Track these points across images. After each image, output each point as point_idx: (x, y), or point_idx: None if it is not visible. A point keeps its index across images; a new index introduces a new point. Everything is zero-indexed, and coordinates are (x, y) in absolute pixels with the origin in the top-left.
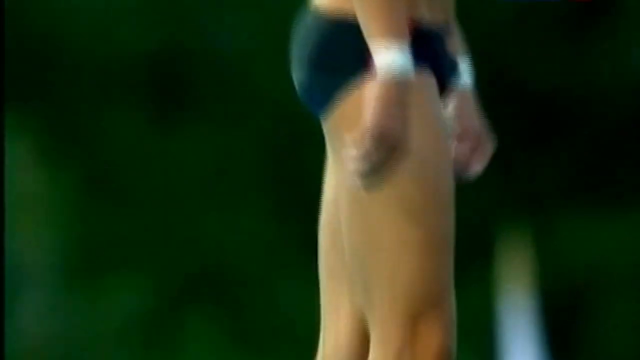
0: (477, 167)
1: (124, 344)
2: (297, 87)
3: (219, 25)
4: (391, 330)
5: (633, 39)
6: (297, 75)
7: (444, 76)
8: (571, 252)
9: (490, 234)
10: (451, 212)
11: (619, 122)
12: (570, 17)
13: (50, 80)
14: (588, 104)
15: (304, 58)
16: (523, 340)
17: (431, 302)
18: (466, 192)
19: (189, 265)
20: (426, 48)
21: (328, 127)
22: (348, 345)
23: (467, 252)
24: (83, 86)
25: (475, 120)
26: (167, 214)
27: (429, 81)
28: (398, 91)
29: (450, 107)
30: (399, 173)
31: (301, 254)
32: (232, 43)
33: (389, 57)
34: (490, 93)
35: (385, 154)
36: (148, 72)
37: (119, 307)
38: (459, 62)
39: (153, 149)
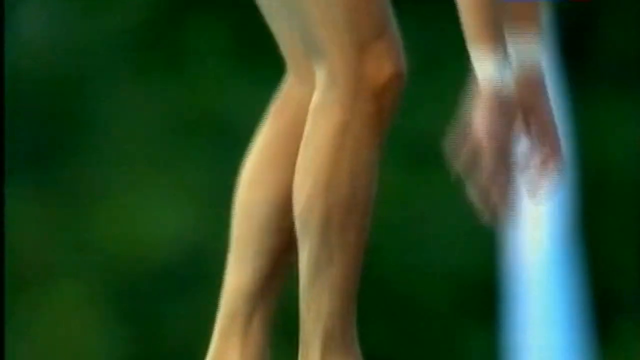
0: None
1: (127, 49)
2: None
3: None
4: (339, 66)
5: None
6: None
7: None
8: None
9: None
10: None
11: None
12: None
13: None
14: None
15: None
16: None
17: (376, 32)
18: None
19: None
20: None
21: None
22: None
23: None
24: None
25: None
26: None
27: None
28: (502, 102)
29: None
30: None
31: None
32: None
33: (492, 67)
34: None
35: (506, 168)
36: None
37: (120, 16)
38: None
39: None
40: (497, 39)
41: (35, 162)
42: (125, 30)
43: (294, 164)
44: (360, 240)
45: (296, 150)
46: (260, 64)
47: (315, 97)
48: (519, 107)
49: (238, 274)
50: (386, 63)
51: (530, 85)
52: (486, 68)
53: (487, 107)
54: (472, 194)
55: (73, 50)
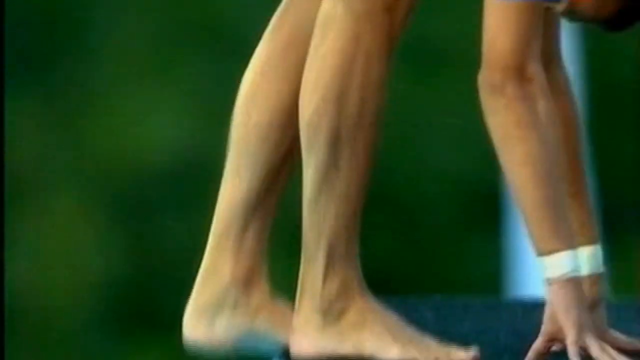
0: None
1: None
2: None
3: None
4: None
5: None
6: None
7: None
8: None
9: None
10: None
11: None
12: None
13: None
14: None
15: None
16: None
17: None
18: None
19: None
20: None
21: None
22: None
23: None
24: None
25: None
26: None
27: None
28: (576, 292)
29: None
30: None
31: None
32: None
33: (564, 262)
34: None
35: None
36: None
37: None
38: None
39: None
40: (568, 233)
41: (28, 66)
42: None
43: (295, 76)
44: (368, 154)
45: (298, 62)
46: None
47: (324, 8)
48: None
49: (233, 187)
50: None
51: (590, 296)
52: (561, 265)
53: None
54: None
55: None
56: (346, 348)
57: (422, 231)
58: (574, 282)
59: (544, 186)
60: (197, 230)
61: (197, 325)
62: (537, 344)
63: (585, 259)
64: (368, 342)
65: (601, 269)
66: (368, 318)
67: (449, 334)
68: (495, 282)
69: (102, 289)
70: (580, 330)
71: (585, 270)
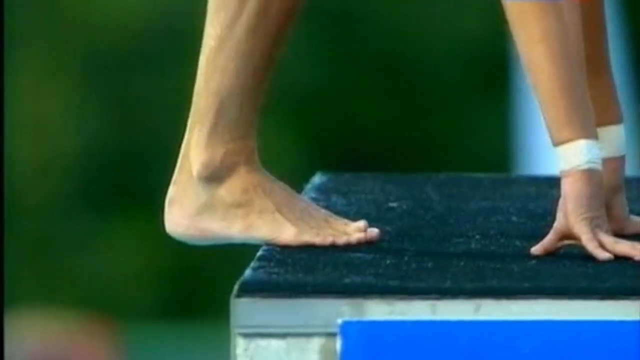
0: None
1: None
2: None
3: None
4: None
5: None
6: None
7: None
8: None
9: None
10: None
11: None
12: None
13: None
14: None
15: None
16: None
17: None
18: None
19: None
20: None
21: None
22: None
23: None
24: None
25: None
26: None
27: None
28: (590, 186)
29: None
30: None
31: None
32: None
33: (578, 152)
34: None
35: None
36: None
37: None
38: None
39: None
40: (585, 121)
41: None
42: None
43: None
44: (280, 17)
45: None
46: None
47: None
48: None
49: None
50: None
51: (611, 180)
52: (575, 156)
53: (581, 224)
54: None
55: None
56: (233, 231)
57: (426, 96)
58: (588, 174)
59: (561, 67)
60: (176, 94)
61: (175, 216)
62: (547, 242)
63: (607, 141)
64: (256, 224)
65: (623, 151)
66: (257, 195)
67: (454, 214)
68: (503, 160)
69: (78, 160)
70: (593, 227)
71: (606, 153)
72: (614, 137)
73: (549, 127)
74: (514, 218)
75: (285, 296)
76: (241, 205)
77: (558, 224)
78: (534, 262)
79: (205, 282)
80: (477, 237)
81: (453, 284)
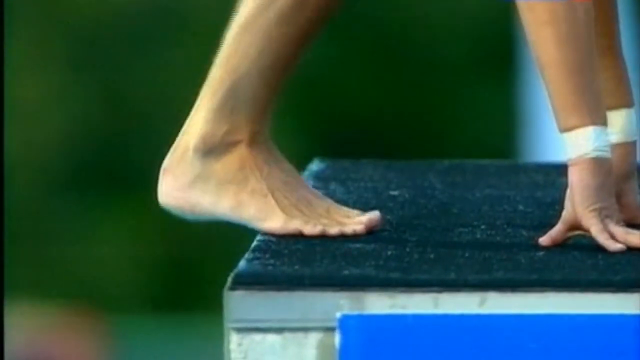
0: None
1: None
2: None
3: None
4: None
5: None
6: None
7: None
8: None
9: None
10: None
11: None
12: None
13: None
14: None
15: None
16: None
17: None
18: None
19: None
20: None
21: None
22: None
23: None
24: None
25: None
26: None
27: None
28: (598, 176)
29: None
30: None
31: None
32: None
33: (586, 140)
34: None
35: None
36: None
37: None
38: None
39: None
40: (594, 107)
41: None
42: None
43: None
44: (312, 12)
45: None
46: None
47: None
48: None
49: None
50: None
51: (622, 167)
52: (582, 144)
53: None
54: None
55: None
56: (222, 207)
57: (429, 81)
58: (596, 162)
59: (569, 50)
60: (166, 74)
61: (167, 187)
62: (556, 232)
63: (617, 126)
64: (246, 203)
65: (635, 136)
66: (252, 175)
67: (458, 203)
68: (509, 146)
69: (63, 146)
70: (603, 217)
71: (616, 138)
72: (624, 121)
73: (555, 113)
74: (520, 207)
75: (281, 289)
76: (234, 182)
77: (566, 213)
78: (541, 253)
79: (198, 273)
80: (482, 227)
81: (457, 275)
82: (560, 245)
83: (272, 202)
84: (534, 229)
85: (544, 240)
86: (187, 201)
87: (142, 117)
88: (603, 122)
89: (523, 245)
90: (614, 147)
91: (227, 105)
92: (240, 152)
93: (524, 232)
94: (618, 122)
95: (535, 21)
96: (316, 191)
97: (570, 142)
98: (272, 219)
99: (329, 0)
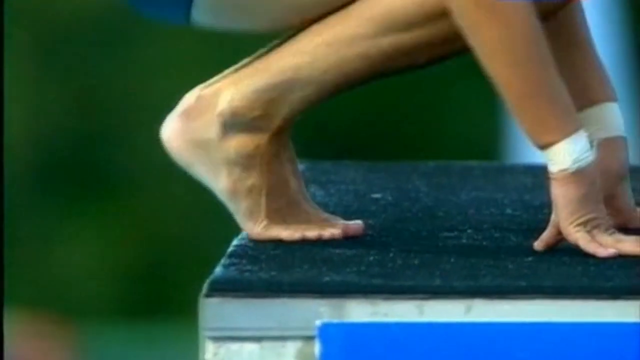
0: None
1: None
2: None
3: None
4: None
5: None
6: None
7: None
8: None
9: None
10: None
11: None
12: None
13: None
14: None
15: None
16: None
17: None
18: None
19: None
20: None
21: None
22: None
23: None
24: None
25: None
26: None
27: None
28: (581, 188)
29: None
30: None
31: None
32: None
33: (562, 155)
34: None
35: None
36: None
37: None
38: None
39: None
40: (563, 116)
41: None
42: None
43: None
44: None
45: None
46: None
47: None
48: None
49: None
50: None
51: (611, 165)
52: (560, 159)
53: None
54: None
55: None
56: (217, 184)
57: (410, 77)
58: (578, 175)
59: (524, 67)
60: (135, 72)
61: (177, 128)
62: (547, 236)
63: (600, 121)
64: (240, 194)
65: (621, 131)
66: (258, 164)
67: (444, 206)
68: (496, 147)
69: (31, 148)
70: (590, 229)
71: (602, 134)
72: (606, 115)
73: (525, 133)
74: (508, 210)
75: (258, 296)
76: (239, 165)
77: (555, 217)
78: (530, 258)
79: (173, 279)
80: (469, 231)
81: (442, 282)
82: (550, 251)
83: (263, 205)
84: (523, 234)
85: (538, 244)
86: (187, 156)
87: (112, 116)
88: (576, 127)
89: (511, 251)
90: (601, 145)
91: (273, 95)
92: (260, 140)
93: (512, 237)
94: (600, 117)
95: (484, 51)
96: (310, 201)
97: (548, 158)
98: (255, 223)
99: (440, 53)
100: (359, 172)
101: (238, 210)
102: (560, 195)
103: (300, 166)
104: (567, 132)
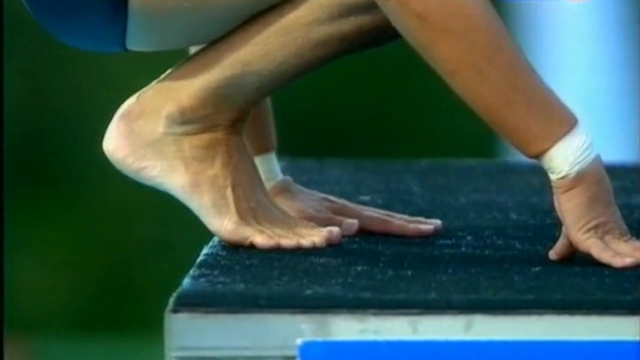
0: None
1: None
2: None
3: None
4: None
5: None
6: None
7: None
8: None
9: None
10: None
11: None
12: None
13: None
14: None
15: None
16: None
17: None
18: None
19: None
20: None
21: None
22: None
23: None
24: None
25: None
26: None
27: None
28: (591, 185)
29: None
30: None
31: None
32: None
33: (557, 161)
34: None
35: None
36: None
37: None
38: None
39: None
40: (549, 116)
41: None
42: None
43: None
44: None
45: None
46: None
47: None
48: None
49: None
50: None
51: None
52: (557, 166)
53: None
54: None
55: None
56: (173, 183)
57: (402, 66)
58: (580, 178)
59: (493, 82)
60: (91, 77)
61: (120, 136)
62: (559, 247)
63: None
64: (203, 188)
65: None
66: (218, 159)
67: (440, 210)
68: (498, 143)
69: None
70: (601, 235)
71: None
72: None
73: (513, 146)
74: (513, 215)
75: (232, 311)
76: (197, 159)
77: (565, 229)
78: (538, 269)
79: (137, 290)
80: (469, 238)
81: (439, 295)
82: (559, 261)
83: (230, 198)
84: (529, 241)
85: (551, 256)
86: (135, 160)
87: (67, 115)
88: (567, 127)
89: (516, 260)
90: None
91: (223, 91)
92: (216, 135)
93: (517, 245)
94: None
95: (444, 70)
96: (273, 200)
97: (545, 166)
98: (224, 218)
99: (379, 35)
100: (345, 171)
101: (201, 205)
102: (564, 202)
103: (279, 164)
104: (557, 135)
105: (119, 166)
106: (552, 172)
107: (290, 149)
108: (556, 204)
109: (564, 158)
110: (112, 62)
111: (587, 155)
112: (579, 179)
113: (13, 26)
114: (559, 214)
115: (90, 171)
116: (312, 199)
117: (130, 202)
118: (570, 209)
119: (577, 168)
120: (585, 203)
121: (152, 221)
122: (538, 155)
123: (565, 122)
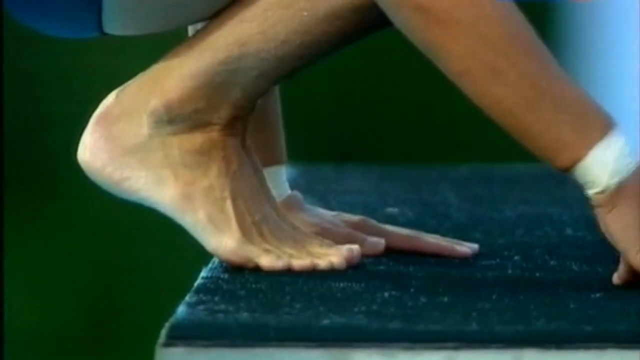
0: None
1: None
2: None
3: None
4: None
5: None
6: None
7: None
8: None
9: None
10: None
11: None
12: None
13: None
14: None
15: None
16: None
17: None
18: None
19: None
20: None
21: None
22: None
23: None
24: None
25: None
26: None
27: None
28: (631, 208)
29: None
30: None
31: None
32: None
33: (593, 173)
34: None
35: None
36: None
37: None
38: None
39: None
40: (580, 121)
41: None
42: None
43: None
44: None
45: None
46: None
47: None
48: None
49: None
50: None
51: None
52: (592, 179)
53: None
54: None
55: None
56: (161, 197)
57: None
58: (624, 191)
59: (513, 83)
60: (72, 70)
61: (96, 144)
62: (623, 272)
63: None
64: (195, 201)
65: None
66: (215, 165)
67: (481, 225)
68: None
69: None
70: None
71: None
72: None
73: (541, 159)
74: (568, 230)
75: (236, 344)
76: (189, 166)
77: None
78: (598, 295)
79: (128, 316)
80: (516, 258)
81: (480, 326)
82: (623, 285)
83: (230, 212)
84: (587, 261)
85: (614, 280)
86: (116, 170)
87: (53, 110)
88: (603, 130)
89: (572, 284)
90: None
91: (216, 79)
92: (211, 136)
93: (574, 266)
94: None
95: (449, 62)
96: (283, 213)
97: (579, 180)
98: (223, 236)
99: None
100: (368, 179)
101: (196, 221)
102: (612, 224)
103: (292, 171)
104: (591, 141)
105: (96, 179)
106: (589, 187)
107: (305, 153)
108: (602, 226)
109: (601, 168)
110: (112, 63)
111: (629, 163)
112: (621, 191)
113: (13, 26)
114: (608, 237)
115: (76, 177)
116: (326, 213)
117: (122, 213)
118: (621, 232)
119: (617, 179)
120: (638, 222)
121: (148, 238)
122: (570, 167)
123: (600, 126)
